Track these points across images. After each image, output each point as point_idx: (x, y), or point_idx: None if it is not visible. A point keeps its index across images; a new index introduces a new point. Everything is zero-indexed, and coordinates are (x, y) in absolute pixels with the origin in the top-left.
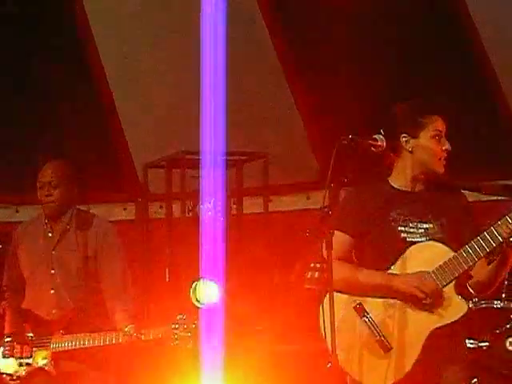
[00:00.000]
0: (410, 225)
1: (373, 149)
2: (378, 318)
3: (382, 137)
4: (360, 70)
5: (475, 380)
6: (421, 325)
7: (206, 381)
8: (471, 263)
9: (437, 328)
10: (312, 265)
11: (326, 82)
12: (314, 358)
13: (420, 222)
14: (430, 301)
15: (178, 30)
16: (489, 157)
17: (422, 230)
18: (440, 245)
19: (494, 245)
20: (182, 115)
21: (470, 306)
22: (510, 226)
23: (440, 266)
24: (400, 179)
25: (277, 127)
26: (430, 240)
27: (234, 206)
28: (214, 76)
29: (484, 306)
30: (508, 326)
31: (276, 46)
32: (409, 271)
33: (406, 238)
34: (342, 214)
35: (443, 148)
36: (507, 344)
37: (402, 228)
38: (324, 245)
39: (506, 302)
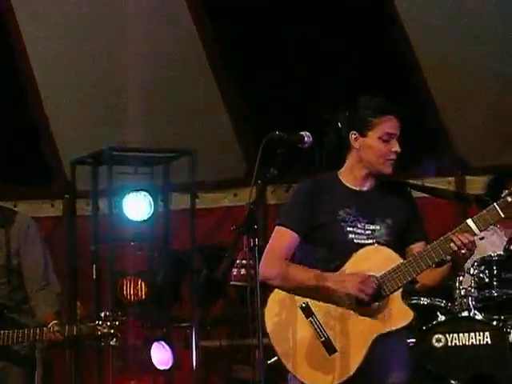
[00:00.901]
0: (358, 225)
1: (299, 145)
2: (324, 319)
3: (308, 133)
4: (289, 64)
5: None
6: (366, 330)
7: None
8: (420, 272)
9: (382, 334)
10: (238, 262)
11: (254, 77)
12: (240, 353)
13: (367, 223)
14: (367, 300)
15: (101, 25)
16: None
17: (369, 232)
18: (389, 250)
19: (444, 256)
20: (110, 112)
21: None
22: (460, 238)
23: (388, 271)
24: (349, 177)
25: (204, 124)
26: (376, 243)
27: (161, 203)
28: (140, 73)
29: (411, 302)
30: (434, 322)
31: (204, 43)
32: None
33: (353, 239)
34: (289, 209)
35: (391, 149)
36: (433, 341)
37: (350, 228)
38: (251, 241)
39: (432, 299)
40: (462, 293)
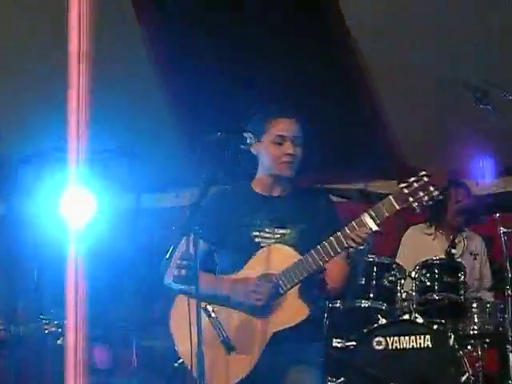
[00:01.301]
0: (266, 230)
1: (242, 146)
2: (224, 318)
3: (251, 134)
4: (235, 60)
5: (342, 379)
6: (262, 327)
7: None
8: (316, 267)
9: (278, 331)
10: (179, 262)
11: (197, 75)
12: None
13: (277, 227)
14: (260, 304)
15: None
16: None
17: (278, 236)
18: (287, 248)
19: (339, 250)
20: (53, 110)
21: (338, 305)
22: (355, 232)
23: (286, 269)
24: (259, 183)
25: (147, 124)
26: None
27: (104, 203)
28: (81, 69)
29: (351, 305)
30: (375, 325)
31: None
32: (256, 274)
33: (260, 243)
34: (201, 217)
35: (285, 152)
36: (374, 343)
37: (257, 233)
38: (191, 242)
39: (373, 302)
40: (403, 296)
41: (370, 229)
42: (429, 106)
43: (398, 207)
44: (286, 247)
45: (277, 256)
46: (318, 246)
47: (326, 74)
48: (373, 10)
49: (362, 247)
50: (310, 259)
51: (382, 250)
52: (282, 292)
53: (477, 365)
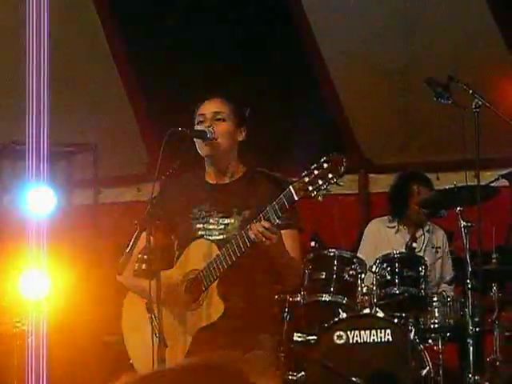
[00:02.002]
0: (211, 221)
1: (202, 141)
2: (161, 316)
3: (211, 129)
4: (193, 59)
5: (302, 373)
6: (188, 325)
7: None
8: (230, 261)
9: (201, 328)
10: (139, 256)
11: (157, 71)
12: None
13: (222, 217)
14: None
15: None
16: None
17: (222, 227)
18: (208, 243)
19: (248, 245)
20: (13, 104)
21: (299, 299)
22: (259, 227)
23: (207, 265)
24: (208, 172)
25: (107, 118)
26: (225, 238)
27: (64, 198)
28: (41, 64)
29: (312, 299)
30: (336, 319)
31: (108, 35)
32: (188, 268)
33: (202, 235)
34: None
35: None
36: (335, 338)
37: (201, 225)
38: (151, 236)
39: (334, 296)
40: (364, 290)
41: (272, 223)
42: (394, 104)
43: (296, 198)
44: (208, 242)
45: (200, 251)
46: (233, 239)
47: (291, 72)
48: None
49: (268, 242)
50: (225, 254)
51: (343, 243)
52: (203, 288)
53: (437, 359)
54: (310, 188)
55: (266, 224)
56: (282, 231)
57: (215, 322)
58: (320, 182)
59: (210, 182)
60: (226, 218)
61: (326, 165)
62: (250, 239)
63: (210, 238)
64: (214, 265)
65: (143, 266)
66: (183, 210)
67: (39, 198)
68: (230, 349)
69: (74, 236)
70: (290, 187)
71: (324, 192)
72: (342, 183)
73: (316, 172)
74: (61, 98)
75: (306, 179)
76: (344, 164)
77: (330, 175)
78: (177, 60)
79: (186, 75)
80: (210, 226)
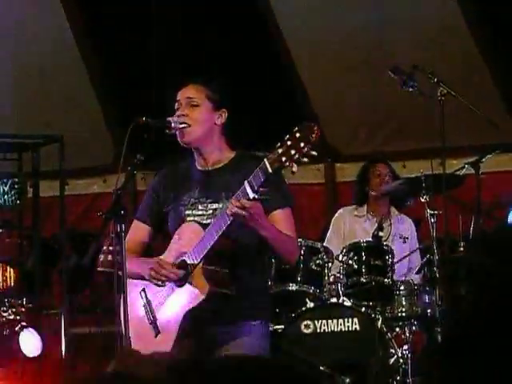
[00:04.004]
0: (200, 207)
1: (166, 131)
2: (154, 301)
3: (175, 119)
4: (158, 49)
5: None
6: (177, 307)
7: None
8: (213, 241)
9: (190, 310)
10: (105, 248)
11: (124, 61)
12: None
13: (211, 202)
14: (161, 284)
15: None
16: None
17: (211, 212)
18: (195, 225)
19: (228, 221)
20: None
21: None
22: (238, 203)
23: (193, 247)
24: (197, 159)
25: (73, 109)
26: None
27: (30, 190)
28: (9, 59)
29: (279, 289)
30: (303, 309)
31: (73, 27)
32: (178, 252)
33: (192, 221)
34: (142, 201)
35: (177, 114)
36: (302, 327)
37: (189, 212)
38: (117, 227)
39: (301, 285)
40: (331, 279)
41: (249, 197)
42: (361, 94)
43: (271, 170)
44: (195, 225)
45: (188, 234)
46: (215, 218)
47: (259, 62)
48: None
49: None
50: (208, 234)
51: (309, 233)
52: (190, 270)
53: (405, 347)
54: (284, 159)
55: (243, 199)
56: (274, 212)
57: (202, 304)
58: (293, 152)
59: (200, 168)
60: (215, 203)
61: (297, 134)
62: (228, 216)
63: (199, 223)
64: (200, 246)
65: (109, 257)
66: (173, 200)
67: (5, 191)
68: (218, 333)
69: (40, 227)
70: (265, 160)
71: (298, 162)
72: (314, 153)
73: (289, 142)
74: (27, 89)
75: (280, 150)
76: (315, 132)
77: (302, 144)
78: (143, 50)
79: (150, 64)
80: (199, 212)
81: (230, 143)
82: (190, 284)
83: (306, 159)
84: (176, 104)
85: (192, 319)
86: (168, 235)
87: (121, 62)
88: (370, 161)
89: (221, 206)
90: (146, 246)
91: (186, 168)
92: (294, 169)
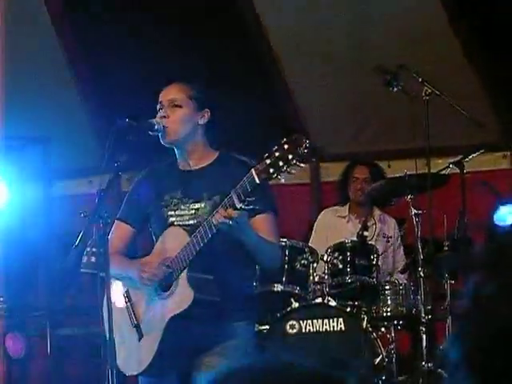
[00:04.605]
0: (182, 207)
1: (150, 132)
2: (137, 305)
3: (158, 120)
4: (145, 48)
5: None
6: (161, 314)
7: None
8: (198, 248)
9: (173, 316)
10: (88, 249)
11: (110, 61)
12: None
13: (193, 202)
14: (150, 284)
15: None
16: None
17: (193, 212)
18: (179, 230)
19: (215, 230)
20: None
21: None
22: (224, 212)
23: (178, 253)
24: (178, 159)
25: (59, 111)
26: (196, 223)
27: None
28: None
29: (264, 289)
30: (288, 309)
31: (58, 29)
32: (162, 256)
33: (173, 222)
34: (125, 202)
35: (160, 116)
36: (287, 327)
37: (172, 212)
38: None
39: (286, 286)
40: (316, 279)
41: (236, 207)
42: (346, 92)
43: (258, 181)
44: (180, 230)
45: (173, 239)
46: (201, 226)
47: (242, 62)
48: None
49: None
50: (194, 241)
51: (294, 233)
52: (174, 277)
53: (390, 347)
54: (271, 170)
55: (230, 209)
56: (257, 216)
57: (187, 310)
58: (281, 164)
59: (181, 169)
60: (197, 202)
61: (286, 146)
62: (214, 226)
63: (181, 223)
64: (184, 253)
65: (92, 259)
66: (156, 200)
67: None
68: (203, 338)
69: (24, 229)
70: (252, 170)
71: (285, 174)
72: (302, 164)
73: (277, 154)
74: (12, 90)
75: (268, 161)
76: (304, 145)
77: (290, 156)
78: (128, 51)
79: (137, 65)
80: (182, 212)
81: (212, 143)
82: (174, 291)
83: (293, 171)
84: (158, 105)
85: (176, 324)
86: (151, 235)
87: (106, 63)
88: (350, 164)
89: (203, 205)
90: (129, 247)
91: (168, 168)
92: (282, 180)
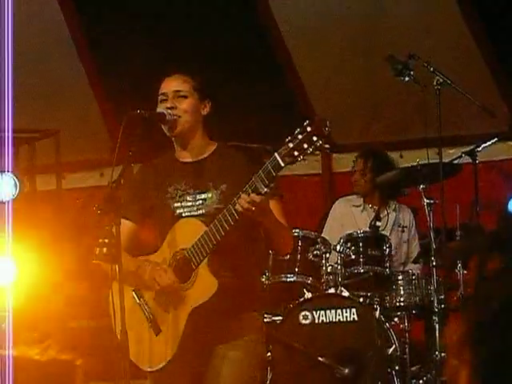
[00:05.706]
0: (188, 198)
1: (161, 124)
2: (151, 300)
3: (170, 111)
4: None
5: (269, 354)
6: (181, 306)
7: None
8: (219, 237)
9: (195, 308)
10: (100, 240)
11: (117, 55)
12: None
13: (199, 192)
14: (159, 288)
15: None
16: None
17: (200, 202)
18: (194, 220)
19: (237, 217)
20: None
21: (264, 280)
22: (248, 198)
23: (195, 243)
24: (179, 151)
25: (69, 103)
26: (205, 212)
27: (28, 184)
28: (4, 51)
29: (277, 280)
30: (301, 299)
31: (68, 22)
32: (175, 249)
33: (181, 213)
34: (125, 198)
35: (165, 106)
36: (300, 318)
37: (178, 204)
38: (113, 220)
39: (299, 276)
40: (329, 270)
41: (260, 192)
42: (356, 84)
43: (283, 164)
44: (194, 219)
45: (186, 230)
46: (221, 214)
47: (255, 58)
48: None
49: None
50: (214, 230)
51: (306, 224)
52: (193, 267)
53: (403, 337)
54: (296, 153)
55: (254, 194)
56: (270, 200)
57: (209, 301)
58: (305, 146)
59: (182, 160)
60: (203, 192)
61: (309, 128)
62: (237, 212)
63: (189, 214)
64: (203, 242)
65: (104, 251)
66: (159, 193)
67: (2, 184)
68: (225, 328)
69: (37, 222)
70: (276, 154)
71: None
72: (327, 145)
73: (300, 136)
74: (23, 84)
75: (291, 144)
76: (328, 125)
77: (315, 138)
78: (137, 43)
79: (147, 57)
80: (188, 203)
81: (209, 134)
82: (195, 281)
83: (318, 152)
84: (161, 96)
85: (199, 315)
86: (154, 230)
87: (117, 56)
88: (364, 151)
89: (210, 195)
90: (135, 243)
91: (167, 161)
92: (305, 161)
